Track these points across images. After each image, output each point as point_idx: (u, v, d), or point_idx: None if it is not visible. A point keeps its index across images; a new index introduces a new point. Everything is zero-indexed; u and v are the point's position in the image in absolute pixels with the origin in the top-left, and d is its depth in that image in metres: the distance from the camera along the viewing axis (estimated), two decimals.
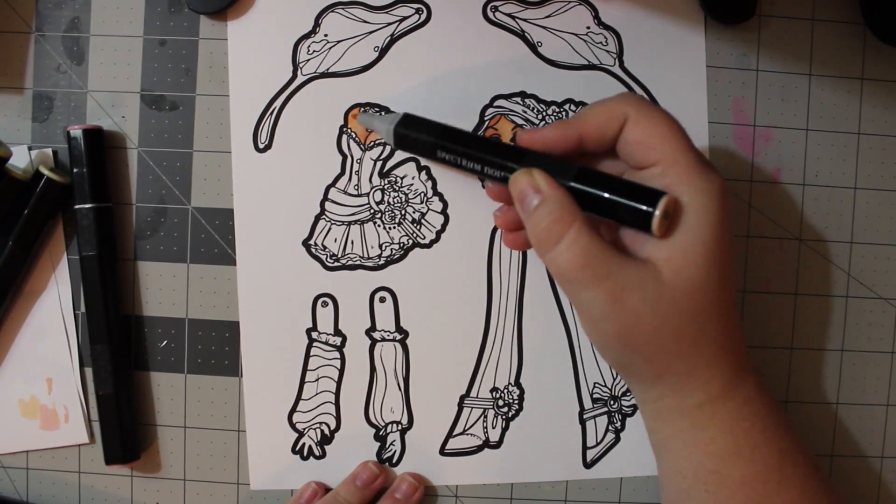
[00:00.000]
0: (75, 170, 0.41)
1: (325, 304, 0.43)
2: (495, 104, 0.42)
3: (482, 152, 0.36)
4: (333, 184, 0.42)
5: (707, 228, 0.31)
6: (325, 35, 0.42)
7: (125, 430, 0.42)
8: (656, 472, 0.43)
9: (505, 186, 0.35)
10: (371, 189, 0.43)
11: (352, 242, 0.43)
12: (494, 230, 0.43)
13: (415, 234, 0.43)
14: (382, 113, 0.42)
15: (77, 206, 0.41)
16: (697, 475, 0.34)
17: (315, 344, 0.43)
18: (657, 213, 0.31)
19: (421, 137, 0.38)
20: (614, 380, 0.43)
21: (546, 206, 0.33)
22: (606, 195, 0.32)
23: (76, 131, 0.41)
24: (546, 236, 0.32)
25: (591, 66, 0.43)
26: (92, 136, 0.41)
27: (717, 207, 0.32)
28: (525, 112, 0.42)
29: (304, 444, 0.43)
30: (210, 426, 0.43)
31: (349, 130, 0.42)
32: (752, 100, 0.43)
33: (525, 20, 0.42)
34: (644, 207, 0.31)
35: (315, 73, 0.42)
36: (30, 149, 0.42)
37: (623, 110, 0.33)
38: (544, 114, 0.42)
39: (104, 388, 0.42)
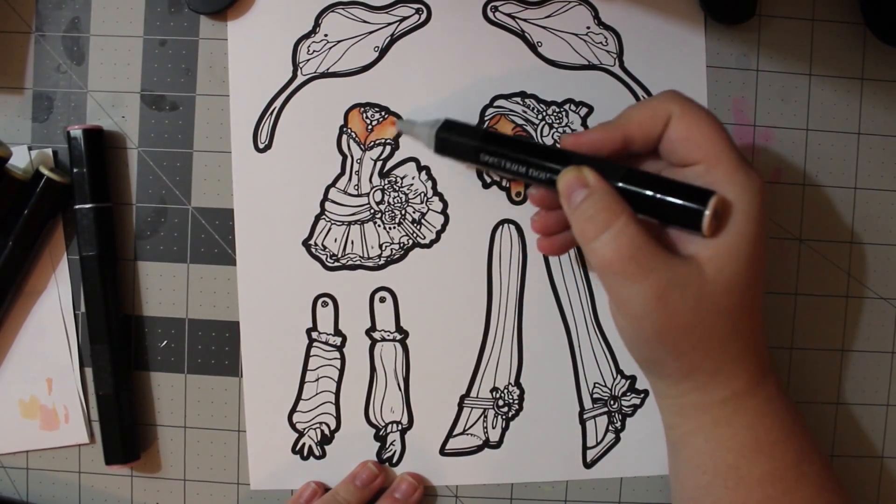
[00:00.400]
0: (75, 170, 0.41)
1: (325, 304, 0.43)
2: (495, 104, 0.42)
3: (527, 155, 0.36)
4: (333, 184, 0.43)
5: (750, 227, 0.32)
6: (325, 35, 0.42)
7: (125, 430, 0.42)
8: (656, 471, 0.43)
9: (548, 190, 0.36)
10: (371, 189, 0.43)
11: (352, 242, 0.43)
12: (494, 230, 0.43)
13: (415, 234, 0.43)
14: (384, 114, 0.42)
15: (77, 206, 0.41)
16: (717, 471, 0.34)
17: (315, 344, 0.43)
18: (707, 212, 0.31)
19: (464, 141, 0.38)
20: (614, 380, 0.43)
21: (594, 196, 0.33)
22: (656, 195, 0.32)
23: (76, 131, 0.41)
24: (592, 225, 0.32)
25: (591, 66, 0.43)
26: (92, 136, 0.41)
27: (758, 206, 0.32)
28: (525, 112, 0.42)
29: (304, 444, 0.43)
30: (210, 426, 0.43)
31: (349, 130, 0.42)
32: (752, 100, 0.43)
33: (525, 20, 0.42)
34: (694, 206, 0.31)
35: (315, 73, 0.42)
36: (30, 149, 0.42)
37: (667, 108, 0.33)
38: (544, 114, 0.42)
39: (104, 388, 0.42)
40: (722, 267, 0.32)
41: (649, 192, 0.33)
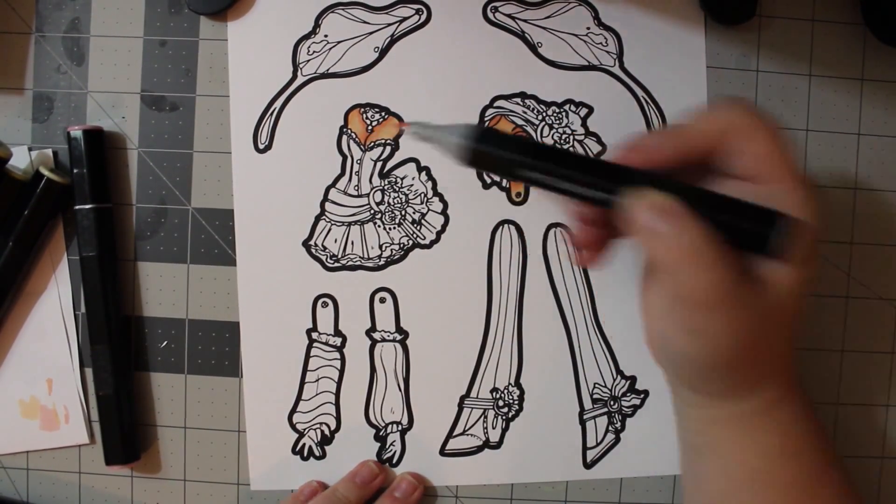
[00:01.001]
0: (75, 170, 0.41)
1: (325, 305, 0.43)
2: (495, 104, 0.42)
3: (580, 171, 0.31)
4: (333, 184, 0.43)
5: (813, 248, 0.31)
6: (325, 35, 0.42)
7: (125, 431, 0.42)
8: (656, 472, 0.43)
9: (602, 209, 0.32)
10: (371, 189, 0.43)
11: (352, 243, 0.43)
12: (494, 230, 0.43)
13: (415, 235, 0.43)
14: (384, 114, 0.42)
15: (77, 207, 0.41)
16: (745, 476, 0.34)
17: (315, 344, 0.43)
18: (785, 238, 0.29)
19: (503, 154, 0.31)
20: (614, 380, 0.43)
21: (682, 233, 0.30)
22: (731, 220, 0.30)
23: (76, 132, 0.41)
24: (690, 258, 0.30)
25: (591, 67, 0.43)
26: (92, 137, 0.41)
27: (816, 224, 0.31)
28: (525, 112, 0.42)
29: (304, 444, 0.43)
30: (210, 426, 0.43)
31: (349, 131, 0.42)
32: (752, 100, 0.43)
33: (525, 21, 0.42)
34: (773, 231, 0.30)
35: (315, 73, 0.42)
36: (30, 149, 0.42)
37: (732, 121, 0.32)
38: (544, 114, 0.42)
39: (104, 388, 0.42)
40: (790, 289, 0.31)
41: (723, 216, 0.30)
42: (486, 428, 0.43)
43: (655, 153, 0.32)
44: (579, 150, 0.43)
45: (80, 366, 0.43)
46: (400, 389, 0.43)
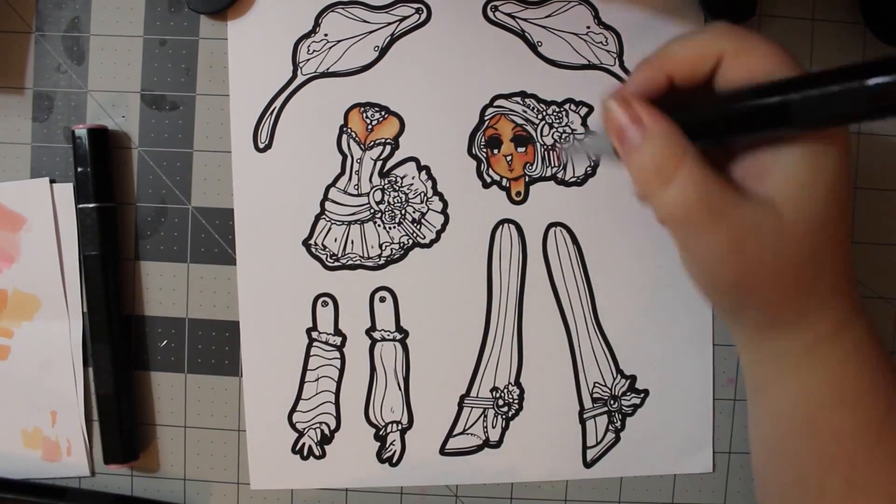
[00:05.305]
0: (79, 169, 0.41)
1: (325, 304, 0.43)
2: (495, 104, 0.42)
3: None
4: (333, 183, 0.43)
5: (830, 162, 0.29)
6: (325, 35, 0.42)
7: (125, 430, 0.42)
8: (656, 471, 0.43)
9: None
10: (371, 189, 0.43)
11: (352, 242, 0.43)
12: (494, 230, 0.43)
13: (415, 234, 0.43)
14: (384, 113, 0.42)
15: (80, 206, 0.41)
16: (793, 420, 0.31)
17: (315, 344, 0.43)
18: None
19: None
20: (614, 379, 0.43)
21: (652, 141, 0.29)
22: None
23: (81, 130, 0.41)
24: (654, 176, 0.29)
25: (591, 66, 0.43)
26: (97, 136, 0.41)
27: (839, 140, 0.29)
28: (525, 112, 0.42)
29: (304, 443, 0.43)
30: (210, 426, 0.43)
31: (349, 130, 0.42)
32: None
33: (525, 20, 0.42)
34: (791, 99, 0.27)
35: (315, 72, 0.42)
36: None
37: (718, 47, 0.30)
38: (544, 114, 0.42)
39: (104, 387, 0.41)
40: (802, 206, 0.28)
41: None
42: (486, 427, 0.43)
43: (642, 85, 0.31)
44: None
45: (84, 398, 0.43)
46: (400, 389, 0.43)
